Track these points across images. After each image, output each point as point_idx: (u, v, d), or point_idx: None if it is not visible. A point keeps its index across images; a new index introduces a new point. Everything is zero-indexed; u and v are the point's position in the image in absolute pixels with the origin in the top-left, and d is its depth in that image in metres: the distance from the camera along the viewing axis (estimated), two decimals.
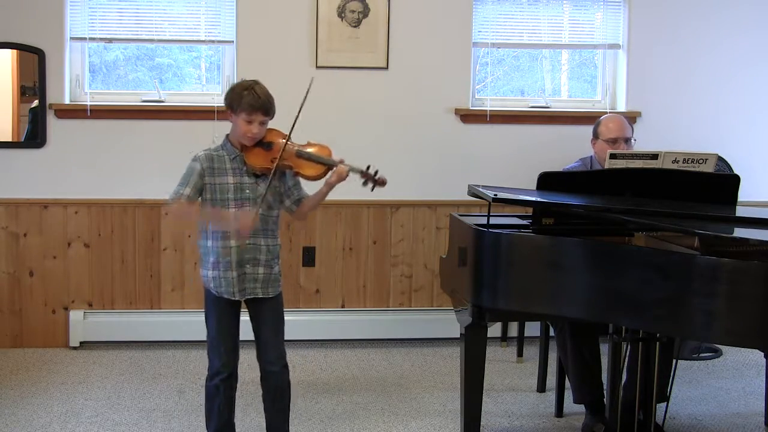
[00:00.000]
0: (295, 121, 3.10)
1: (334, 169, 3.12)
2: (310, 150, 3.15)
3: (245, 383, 3.87)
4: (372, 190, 3.21)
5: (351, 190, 3.36)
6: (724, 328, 2.72)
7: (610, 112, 4.72)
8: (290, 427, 3.33)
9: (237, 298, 3.14)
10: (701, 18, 4.92)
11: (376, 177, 3.18)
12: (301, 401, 3.92)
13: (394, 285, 4.87)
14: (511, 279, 3.18)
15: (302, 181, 3.23)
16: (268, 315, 3.20)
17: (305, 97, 3.08)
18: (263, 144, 3.13)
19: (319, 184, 3.19)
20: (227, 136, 3.18)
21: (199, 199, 3.12)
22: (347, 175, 3.13)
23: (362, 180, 3.19)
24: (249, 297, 3.16)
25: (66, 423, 3.67)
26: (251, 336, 3.24)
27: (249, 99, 3.05)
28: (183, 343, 4.68)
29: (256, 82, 3.12)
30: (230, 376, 3.19)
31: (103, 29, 4.63)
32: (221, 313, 3.16)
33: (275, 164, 3.07)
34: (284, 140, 3.11)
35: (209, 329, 3.20)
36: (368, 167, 3.18)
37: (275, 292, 3.20)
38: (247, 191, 3.10)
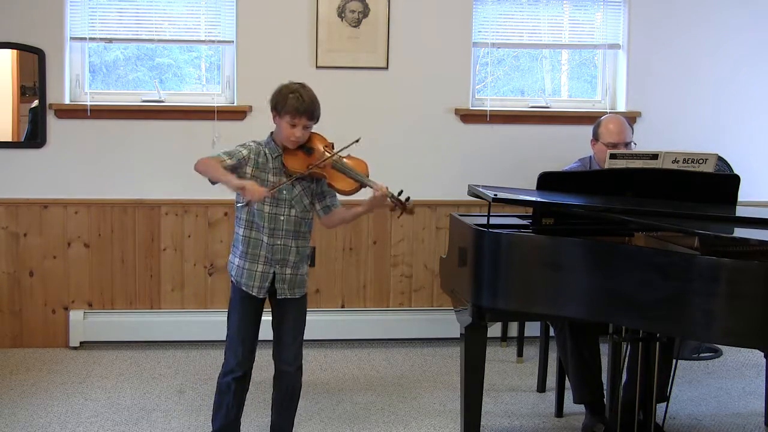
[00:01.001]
0: (343, 148, 3.10)
1: (374, 193, 3.06)
2: (346, 163, 3.15)
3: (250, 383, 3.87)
4: (399, 217, 3.17)
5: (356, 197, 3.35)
6: (724, 328, 2.72)
7: (610, 112, 4.72)
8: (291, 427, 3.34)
9: (254, 293, 3.13)
10: (701, 18, 4.92)
11: (406, 204, 3.11)
12: (301, 401, 3.90)
13: (394, 285, 4.87)
14: (511, 279, 3.18)
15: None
16: (291, 316, 3.20)
17: (343, 148, 3.09)
18: (305, 148, 3.13)
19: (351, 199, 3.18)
20: (271, 134, 3.17)
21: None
22: (386, 201, 3.07)
23: (392, 203, 3.11)
24: (280, 297, 3.15)
25: (66, 423, 3.67)
26: (264, 336, 3.24)
27: (294, 102, 3.04)
28: (183, 343, 4.68)
29: (302, 86, 3.11)
30: (244, 375, 3.20)
31: (103, 29, 4.63)
32: (245, 313, 3.17)
33: (308, 171, 3.07)
34: (325, 148, 3.12)
35: (230, 326, 3.20)
36: (400, 192, 3.11)
37: (301, 293, 3.21)
38: (284, 192, 3.10)
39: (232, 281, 3.20)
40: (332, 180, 3.12)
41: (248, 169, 3.09)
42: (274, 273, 3.13)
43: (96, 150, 4.64)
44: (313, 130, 3.17)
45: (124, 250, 4.69)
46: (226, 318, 3.22)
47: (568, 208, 3.28)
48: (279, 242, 3.11)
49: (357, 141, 3.08)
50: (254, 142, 3.15)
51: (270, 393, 3.35)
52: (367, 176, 3.14)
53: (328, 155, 3.11)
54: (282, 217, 3.11)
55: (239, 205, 3.11)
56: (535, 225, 3.37)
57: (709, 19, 4.92)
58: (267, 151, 3.12)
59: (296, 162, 3.10)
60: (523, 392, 4.14)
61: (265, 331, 3.24)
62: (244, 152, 3.09)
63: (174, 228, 4.70)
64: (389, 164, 4.73)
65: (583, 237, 3.07)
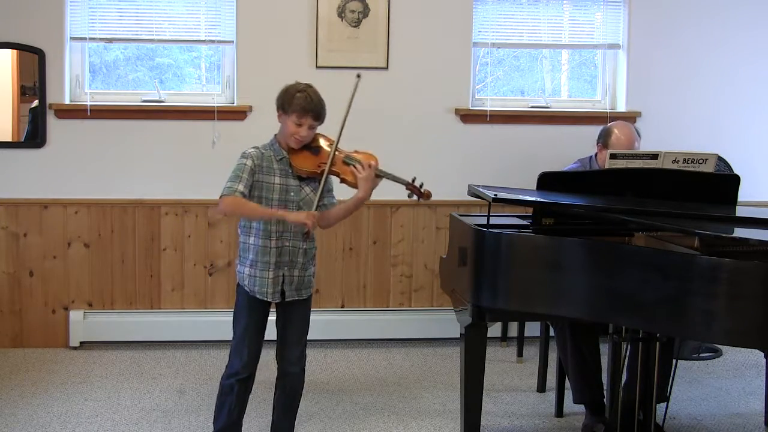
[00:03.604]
0: (342, 126, 3.11)
1: (364, 174, 3.10)
2: (356, 157, 3.15)
3: None
4: (418, 200, 3.25)
5: (351, 190, 3.35)
6: (724, 328, 2.72)
7: (610, 113, 4.73)
8: None
9: (269, 300, 3.13)
10: (701, 18, 4.92)
11: (422, 190, 3.21)
12: (302, 401, 3.90)
13: (394, 285, 4.87)
14: (511, 279, 3.18)
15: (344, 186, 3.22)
16: (297, 317, 3.20)
17: (351, 101, 3.11)
18: (311, 148, 3.13)
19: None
20: (275, 135, 3.16)
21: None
22: (377, 181, 3.14)
23: (407, 192, 3.23)
24: (289, 300, 3.15)
25: (66, 423, 3.67)
26: (267, 336, 3.24)
27: (301, 101, 3.05)
28: (183, 343, 4.68)
29: (309, 86, 3.12)
30: (248, 378, 3.20)
31: (103, 29, 4.63)
32: (251, 317, 3.16)
33: (323, 170, 3.07)
34: (331, 146, 3.12)
35: (236, 329, 3.19)
36: (414, 179, 3.20)
37: (308, 293, 3.21)
38: (292, 194, 3.09)
39: (239, 285, 3.19)
40: (345, 175, 3.13)
41: (257, 176, 3.08)
42: (283, 276, 3.12)
43: (96, 150, 4.63)
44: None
45: (124, 250, 4.69)
46: (231, 320, 3.21)
47: (568, 208, 3.28)
48: (288, 244, 3.11)
49: (356, 85, 3.12)
50: (254, 148, 3.12)
51: (271, 393, 3.35)
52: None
53: (336, 152, 3.10)
54: None
55: None
56: (535, 225, 3.37)
57: (709, 19, 4.92)
58: (271, 154, 3.11)
59: (305, 162, 3.10)
60: (523, 392, 4.14)
61: (268, 332, 3.25)
62: (248, 163, 3.06)
63: (174, 228, 4.70)
64: (389, 164, 4.72)
65: (583, 237, 3.07)
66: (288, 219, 3.02)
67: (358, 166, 3.10)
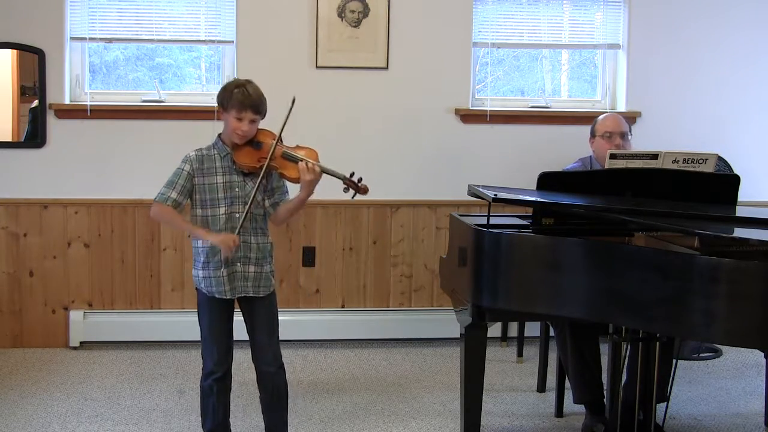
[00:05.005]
0: (284, 123, 3.11)
1: (305, 176, 3.06)
2: (297, 153, 3.15)
3: (244, 383, 3.88)
4: (353, 197, 3.18)
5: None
6: (724, 328, 2.72)
7: (609, 112, 4.72)
8: (289, 427, 3.34)
9: (228, 297, 3.14)
10: (701, 18, 4.92)
11: (359, 185, 3.15)
12: (301, 401, 3.92)
13: (394, 285, 4.87)
14: (511, 279, 3.18)
15: (288, 184, 3.22)
16: (262, 316, 3.20)
17: (291, 107, 3.09)
18: (253, 143, 3.14)
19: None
20: (219, 135, 3.19)
21: (187, 201, 3.14)
22: (317, 178, 3.09)
23: (344, 186, 3.15)
24: (240, 296, 3.16)
25: (66, 423, 3.67)
26: (247, 336, 3.24)
27: (240, 96, 3.08)
28: (183, 343, 4.68)
29: (248, 81, 3.15)
30: (224, 376, 3.20)
31: (103, 29, 4.63)
32: (213, 314, 3.17)
33: (262, 164, 3.08)
34: (274, 141, 3.12)
35: (202, 329, 3.20)
36: (352, 174, 3.15)
37: (267, 291, 3.20)
38: (236, 189, 3.11)
39: (196, 288, 3.20)
40: (284, 169, 3.12)
41: (196, 180, 3.11)
42: (235, 272, 3.13)
43: (96, 150, 4.64)
44: (263, 127, 3.17)
45: (124, 250, 4.69)
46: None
47: (568, 208, 3.28)
48: (238, 240, 3.12)
49: (293, 102, 3.09)
50: (196, 150, 3.16)
51: None
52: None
53: (278, 146, 3.11)
54: (237, 215, 3.11)
55: (197, 217, 3.15)
56: (535, 225, 3.37)
57: (709, 19, 4.92)
58: (215, 152, 3.14)
59: (246, 157, 3.11)
60: (523, 392, 4.14)
61: (243, 335, 3.25)
62: (186, 168, 3.11)
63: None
64: (389, 164, 4.74)
65: (583, 237, 3.07)
66: (208, 239, 3.06)
67: (302, 164, 3.07)
